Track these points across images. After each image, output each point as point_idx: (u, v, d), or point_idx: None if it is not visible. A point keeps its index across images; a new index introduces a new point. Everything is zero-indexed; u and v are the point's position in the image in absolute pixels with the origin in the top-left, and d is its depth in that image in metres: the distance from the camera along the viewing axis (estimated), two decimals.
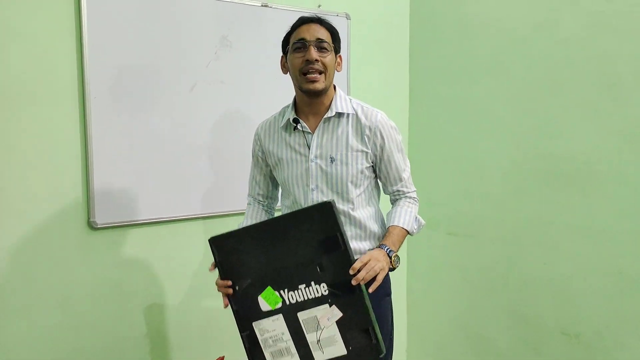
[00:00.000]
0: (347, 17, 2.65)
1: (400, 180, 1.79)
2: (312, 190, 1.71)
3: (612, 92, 2.11)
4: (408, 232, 1.75)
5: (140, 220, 2.15)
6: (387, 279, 1.83)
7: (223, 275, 1.58)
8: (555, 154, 2.30)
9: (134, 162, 2.11)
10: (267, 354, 1.56)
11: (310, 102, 1.72)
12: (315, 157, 1.71)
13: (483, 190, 2.62)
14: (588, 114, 2.19)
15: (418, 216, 1.80)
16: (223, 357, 2.15)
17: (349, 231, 1.72)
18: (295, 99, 1.78)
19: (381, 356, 1.52)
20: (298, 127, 1.72)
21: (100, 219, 2.05)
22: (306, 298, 1.52)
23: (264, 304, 1.54)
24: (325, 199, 1.69)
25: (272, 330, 1.54)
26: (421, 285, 3.00)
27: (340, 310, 1.50)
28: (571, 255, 2.27)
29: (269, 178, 1.88)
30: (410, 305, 3.06)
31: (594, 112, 2.17)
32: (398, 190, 1.80)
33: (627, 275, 2.11)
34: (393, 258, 1.62)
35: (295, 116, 1.74)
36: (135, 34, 2.09)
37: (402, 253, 3.02)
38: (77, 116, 2.01)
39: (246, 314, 1.56)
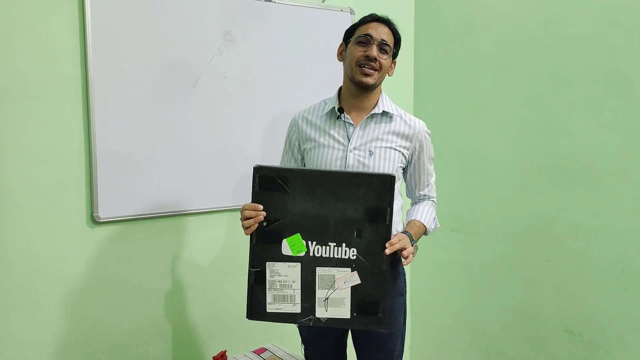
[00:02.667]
0: (352, 12, 2.63)
1: (428, 185, 1.85)
2: None
3: (618, 88, 2.10)
4: (425, 230, 1.78)
5: (143, 215, 2.16)
6: (402, 280, 1.87)
7: None
8: (560, 150, 2.29)
9: (136, 156, 2.12)
10: (269, 295, 1.54)
11: (357, 95, 1.74)
12: (355, 148, 1.73)
13: (487, 186, 2.61)
14: (593, 111, 2.17)
15: (436, 218, 1.85)
16: (225, 351, 2.17)
17: None
18: (339, 90, 1.81)
19: (385, 331, 1.55)
20: (341, 117, 1.75)
21: (103, 213, 2.06)
22: (331, 256, 1.53)
23: (287, 248, 1.53)
24: None
25: (284, 275, 1.54)
26: (424, 281, 3.00)
27: (360, 279, 1.52)
28: (575, 252, 2.27)
29: (300, 166, 1.88)
30: (413, 302, 3.05)
31: (599, 108, 2.16)
32: (424, 195, 1.86)
33: (630, 272, 2.10)
34: (414, 246, 1.66)
35: (339, 106, 1.77)
36: (138, 29, 2.09)
37: None
38: (81, 111, 2.02)
39: (263, 252, 1.54)
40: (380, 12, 2.74)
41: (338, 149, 1.74)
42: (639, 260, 2.07)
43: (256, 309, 1.55)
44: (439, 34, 2.83)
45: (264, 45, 2.38)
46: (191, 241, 2.30)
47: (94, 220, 2.06)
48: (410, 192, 1.88)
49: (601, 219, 2.17)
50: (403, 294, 1.86)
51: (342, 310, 1.54)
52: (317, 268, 1.53)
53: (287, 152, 1.89)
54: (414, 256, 1.65)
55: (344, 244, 1.53)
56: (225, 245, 2.38)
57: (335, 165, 1.74)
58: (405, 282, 1.87)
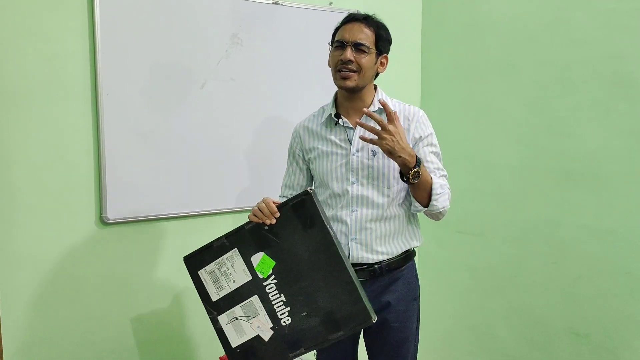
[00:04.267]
0: None
1: (436, 173, 1.73)
2: (352, 183, 1.72)
3: (623, 91, 2.10)
4: (431, 191, 1.64)
5: (151, 216, 2.18)
6: (416, 283, 1.84)
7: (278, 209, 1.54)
8: (565, 153, 2.29)
9: (145, 158, 2.14)
10: (211, 266, 1.59)
11: (349, 98, 1.74)
12: (357, 150, 1.72)
13: (493, 189, 2.61)
14: (598, 113, 2.17)
15: (448, 195, 1.71)
16: None
17: (379, 229, 1.71)
18: (335, 95, 1.80)
19: None
20: (339, 122, 1.74)
21: (112, 214, 2.08)
22: (273, 303, 1.54)
23: (256, 260, 1.55)
24: (364, 192, 1.70)
25: (233, 270, 1.57)
26: (430, 283, 2.99)
27: (268, 338, 1.55)
28: (580, 255, 2.26)
29: (306, 176, 1.87)
30: (420, 303, 3.05)
31: (604, 111, 2.16)
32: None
33: (636, 275, 2.10)
34: (413, 172, 1.56)
35: (336, 112, 1.76)
36: (146, 32, 2.11)
37: None
38: (90, 113, 2.04)
39: (242, 240, 1.56)
40: (385, 16, 2.76)
41: (341, 154, 1.73)
42: None
43: (196, 261, 1.62)
44: (446, 37, 2.84)
45: (271, 47, 2.39)
46: (198, 242, 2.30)
47: (103, 221, 2.08)
48: None
49: (607, 222, 2.17)
50: (417, 298, 1.83)
51: (235, 337, 1.59)
52: (255, 296, 1.55)
53: (291, 163, 1.88)
54: (412, 181, 1.57)
55: (288, 308, 1.53)
56: None
57: (341, 171, 1.73)
58: (418, 287, 1.85)
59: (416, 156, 1.58)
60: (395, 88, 2.86)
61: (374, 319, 1.51)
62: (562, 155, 2.30)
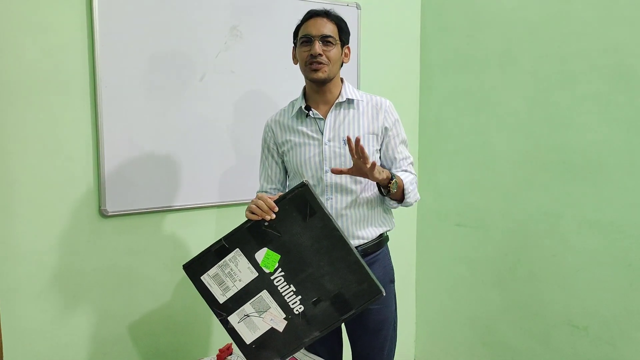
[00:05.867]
0: (358, 7, 2.64)
1: (404, 165, 1.86)
2: (326, 172, 1.78)
3: (624, 84, 2.09)
4: (403, 193, 1.77)
5: (150, 209, 2.18)
6: (390, 267, 1.92)
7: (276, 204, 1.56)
8: (565, 145, 2.29)
9: (144, 150, 2.14)
10: (213, 269, 1.60)
11: (318, 90, 1.80)
12: (329, 140, 1.78)
13: (492, 181, 2.61)
14: (599, 106, 2.17)
15: (416, 188, 1.84)
16: (231, 343, 2.18)
17: (354, 215, 1.79)
18: (304, 89, 1.86)
19: None
20: (310, 114, 1.80)
21: (111, 207, 2.08)
22: (283, 294, 1.57)
23: (260, 256, 1.56)
24: (338, 179, 1.76)
25: (238, 270, 1.58)
26: (430, 275, 3.01)
27: (283, 329, 1.57)
28: (580, 247, 2.26)
29: (282, 168, 1.92)
30: (418, 296, 3.07)
31: (605, 104, 2.15)
32: (404, 170, 1.86)
33: (636, 267, 2.10)
34: (392, 182, 1.70)
35: (306, 104, 1.81)
36: (145, 24, 2.10)
37: (411, 243, 3.03)
38: (89, 106, 2.04)
39: (243, 239, 1.57)
40: (384, 8, 2.77)
41: (313, 145, 1.79)
42: None
43: (196, 268, 1.61)
44: (445, 30, 2.83)
45: (270, 39, 2.39)
46: (199, 235, 2.32)
47: (102, 214, 2.08)
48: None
49: (607, 214, 2.17)
50: (392, 280, 1.91)
51: (248, 334, 1.60)
52: (264, 291, 1.57)
53: (266, 157, 1.92)
54: (391, 190, 1.70)
55: (299, 297, 1.56)
56: None
57: (315, 161, 1.78)
58: (393, 269, 1.92)
59: (389, 171, 1.74)
60: (394, 81, 2.87)
61: (384, 293, 1.57)
62: (562, 148, 2.30)
